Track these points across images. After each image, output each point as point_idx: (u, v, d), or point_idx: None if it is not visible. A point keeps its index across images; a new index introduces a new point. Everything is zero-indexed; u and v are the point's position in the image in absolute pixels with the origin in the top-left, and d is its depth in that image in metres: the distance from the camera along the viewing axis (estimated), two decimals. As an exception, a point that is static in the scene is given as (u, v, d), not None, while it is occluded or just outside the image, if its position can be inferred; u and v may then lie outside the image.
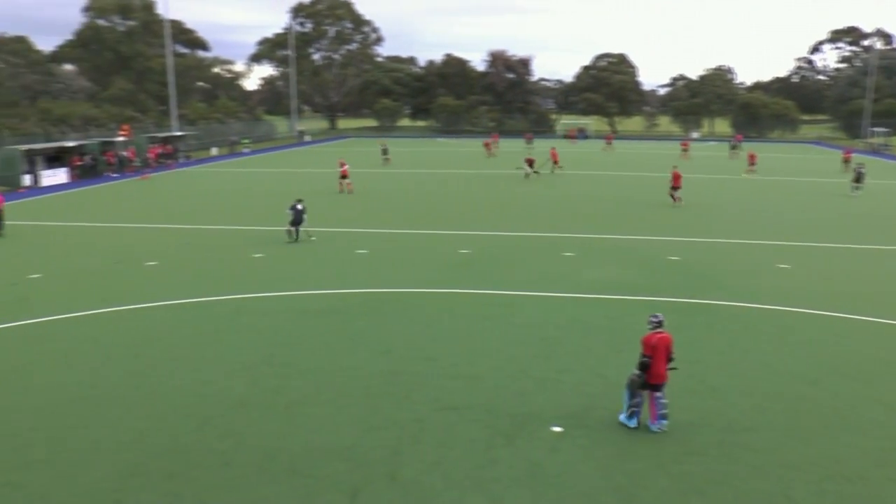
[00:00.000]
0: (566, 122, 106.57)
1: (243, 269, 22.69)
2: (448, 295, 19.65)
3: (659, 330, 11.69)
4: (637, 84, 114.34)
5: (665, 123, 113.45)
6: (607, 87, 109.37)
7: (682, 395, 12.91)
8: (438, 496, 9.76)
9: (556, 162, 51.59)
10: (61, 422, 11.99)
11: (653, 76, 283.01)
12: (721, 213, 34.18)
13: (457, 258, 24.01)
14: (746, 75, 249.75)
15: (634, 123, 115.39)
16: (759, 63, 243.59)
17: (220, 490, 9.90)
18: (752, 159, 53.00)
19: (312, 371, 14.15)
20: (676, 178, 36.35)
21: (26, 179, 44.59)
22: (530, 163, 48.77)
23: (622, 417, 11.95)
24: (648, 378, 11.58)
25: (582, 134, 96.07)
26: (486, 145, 67.89)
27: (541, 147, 68.74)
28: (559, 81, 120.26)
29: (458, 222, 30.76)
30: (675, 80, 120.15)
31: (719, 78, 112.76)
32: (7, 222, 29.24)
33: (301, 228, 26.92)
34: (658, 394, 11.70)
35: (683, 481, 10.17)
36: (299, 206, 26.94)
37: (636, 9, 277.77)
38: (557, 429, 11.71)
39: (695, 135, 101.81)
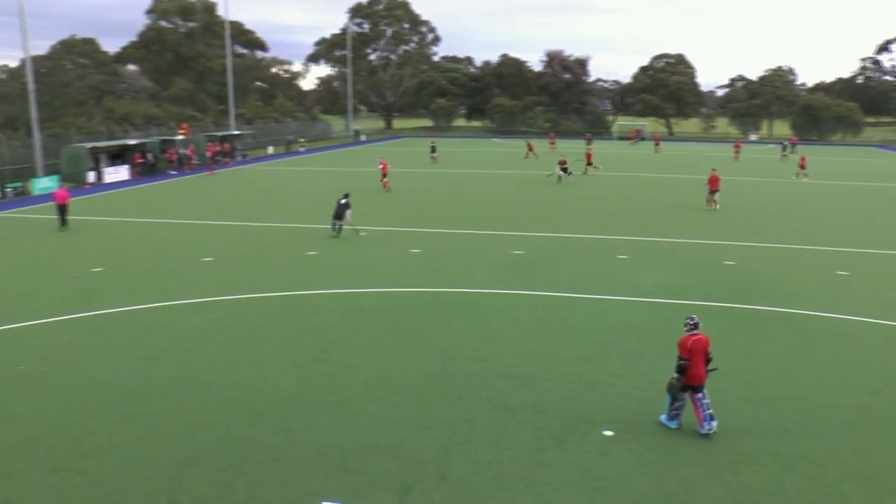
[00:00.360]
0: (622, 123, 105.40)
1: (298, 266, 22.96)
2: (501, 296, 19.60)
3: (695, 332, 11.66)
4: (695, 85, 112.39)
5: (723, 125, 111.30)
6: (664, 88, 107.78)
7: (735, 403, 12.67)
8: (489, 497, 9.73)
9: (589, 163, 50.94)
10: (119, 412, 12.29)
11: (711, 77, 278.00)
12: (777, 217, 33.42)
13: (510, 259, 23.94)
14: (808, 76, 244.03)
15: (691, 125, 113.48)
16: (821, 63, 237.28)
17: (272, 483, 10.03)
18: (802, 161, 51.65)
19: (364, 369, 14.25)
20: (714, 181, 35.53)
21: (91, 176, 45.87)
22: (563, 165, 46.76)
23: (662, 417, 11.96)
24: (687, 380, 11.52)
25: (639, 135, 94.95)
26: (529, 146, 66.71)
27: (598, 148, 68.14)
28: (616, 82, 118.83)
29: (510, 223, 30.66)
30: (733, 80, 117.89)
31: (780, 79, 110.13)
32: (72, 217, 30.12)
33: (344, 223, 27.73)
34: (699, 395, 11.57)
35: (736, 490, 9.96)
36: (343, 201, 27.88)
37: (696, 8, 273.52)
38: (608, 433, 11.59)
39: (753, 137, 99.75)
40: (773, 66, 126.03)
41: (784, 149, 68.21)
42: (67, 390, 13.21)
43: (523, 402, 12.72)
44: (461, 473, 10.31)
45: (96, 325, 17.05)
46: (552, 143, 76.30)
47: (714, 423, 11.56)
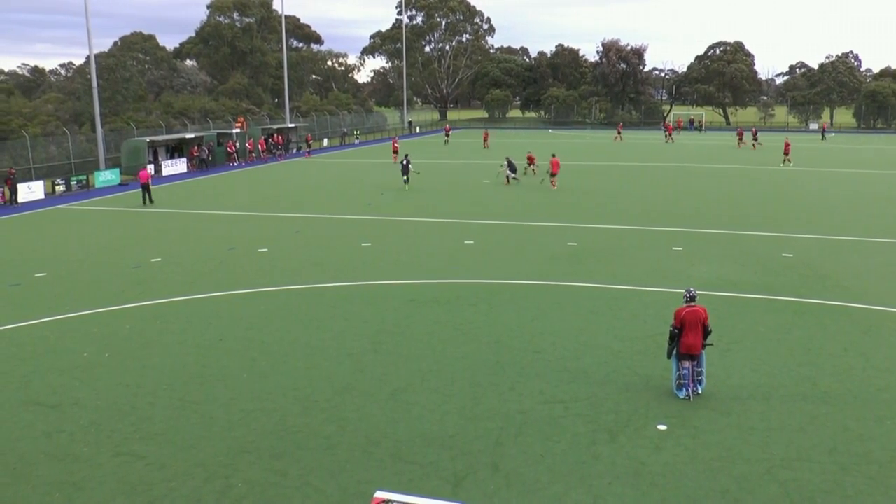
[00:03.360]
0: (678, 113, 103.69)
1: (352, 257, 23.14)
2: (556, 287, 19.46)
3: (692, 304, 12.31)
4: (753, 73, 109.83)
5: (781, 114, 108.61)
6: (721, 76, 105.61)
7: (791, 399, 12.37)
8: (542, 489, 9.68)
9: (531, 163, 44.73)
10: (177, 398, 12.56)
11: (770, 64, 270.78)
12: (836, 207, 32.46)
13: (564, 250, 23.76)
14: (873, 62, 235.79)
15: (749, 114, 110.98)
16: (888, 48, 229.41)
17: (325, 472, 10.13)
18: (786, 148, 51.02)
19: (418, 359, 14.29)
20: (554, 164, 38.00)
21: (150, 169, 46.84)
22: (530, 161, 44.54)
23: (674, 389, 12.56)
24: (681, 348, 12.22)
25: (692, 125, 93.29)
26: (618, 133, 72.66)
27: (653, 137, 67.15)
28: (672, 71, 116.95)
29: (564, 214, 30.42)
30: (793, 68, 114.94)
31: (843, 65, 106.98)
32: (130, 209, 30.86)
33: (409, 176, 38.72)
34: (692, 363, 12.31)
35: (793, 489, 9.71)
36: (405, 161, 39.21)
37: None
38: (662, 427, 11.42)
39: (813, 126, 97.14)
40: (837, 52, 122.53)
41: (823, 137, 67.60)
42: (128, 377, 13.55)
43: (576, 394, 12.62)
44: (514, 465, 10.28)
45: (155, 313, 17.44)
46: (619, 134, 75.87)
47: (697, 389, 12.44)
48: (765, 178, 42.47)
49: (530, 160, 44.48)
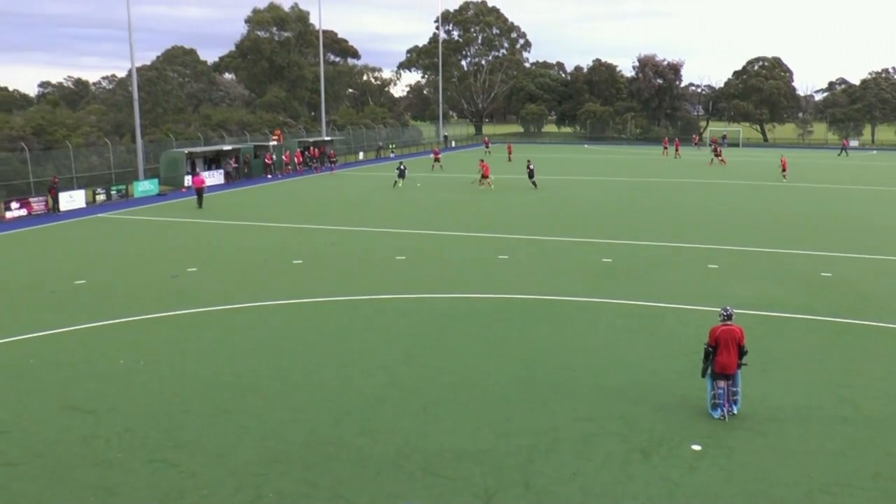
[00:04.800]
0: (714, 129, 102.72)
1: (386, 270, 23.20)
2: (590, 304, 19.31)
3: (728, 323, 12.14)
4: (791, 89, 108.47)
5: (820, 131, 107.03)
6: (758, 92, 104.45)
7: (831, 422, 12.10)
8: (572, 507, 9.57)
9: (485, 176, 45.01)
10: (210, 407, 12.66)
11: (809, 81, 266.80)
12: (877, 226, 31.79)
13: (598, 267, 23.59)
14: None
15: (787, 131, 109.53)
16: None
17: (356, 484, 10.11)
18: (783, 164, 51.98)
19: (450, 373, 14.25)
20: (485, 168, 43.57)
21: (187, 180, 47.55)
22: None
23: (708, 409, 12.35)
24: (716, 367, 12.04)
25: (725, 141, 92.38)
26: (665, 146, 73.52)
27: (688, 154, 66.61)
28: (709, 87, 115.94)
29: (599, 230, 30.23)
30: (833, 84, 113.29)
31: (885, 81, 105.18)
32: (169, 219, 31.30)
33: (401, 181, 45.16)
34: (727, 382, 12.12)
35: (838, 512, 9.49)
36: (402, 167, 46.64)
37: (794, 10, 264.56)
38: (697, 447, 11.23)
39: (854, 143, 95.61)
40: (879, 68, 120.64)
41: (840, 154, 67.10)
42: (162, 385, 13.68)
43: (610, 412, 12.48)
44: (545, 483, 10.17)
45: (191, 322, 17.63)
46: (665, 149, 75.51)
47: (733, 409, 12.22)
48: (800, 197, 41.83)
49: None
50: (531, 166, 46.16)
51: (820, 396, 13.13)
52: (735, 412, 12.28)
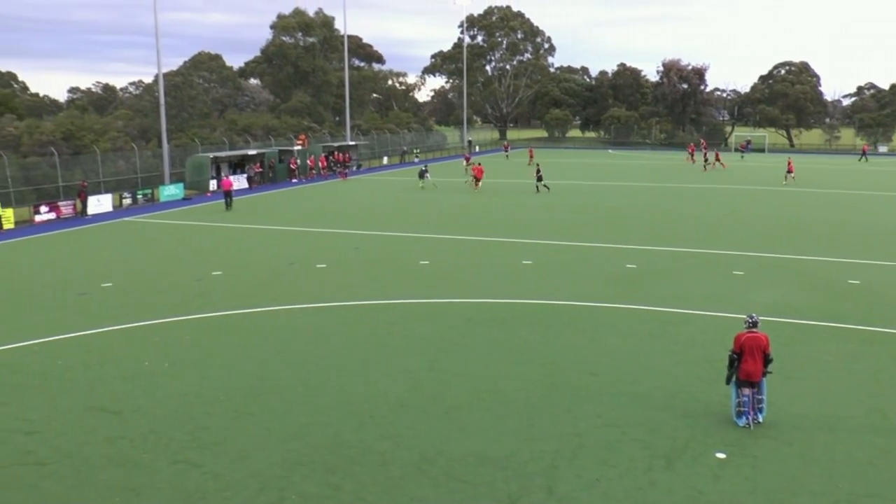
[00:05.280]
0: (739, 134, 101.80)
1: (410, 275, 23.23)
2: (612, 310, 19.21)
3: (753, 330, 12.03)
4: (818, 94, 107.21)
5: (848, 136, 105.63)
6: (784, 97, 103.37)
7: (859, 431, 11.93)
8: (596, 514, 9.51)
9: (477, 178, 47.10)
10: (233, 409, 12.73)
11: (837, 85, 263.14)
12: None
13: (622, 272, 23.47)
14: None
15: (813, 136, 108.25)
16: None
17: (378, 488, 10.12)
18: (789, 166, 52.58)
19: (474, 378, 14.23)
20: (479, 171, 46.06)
21: (212, 184, 47.97)
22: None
23: (733, 417, 12.22)
24: (739, 374, 11.94)
25: (749, 146, 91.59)
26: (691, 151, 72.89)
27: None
28: (734, 91, 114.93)
29: (623, 236, 30.07)
30: (861, 89, 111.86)
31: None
32: (194, 223, 31.57)
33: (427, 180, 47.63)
34: (752, 390, 12.00)
35: (866, 523, 9.35)
36: (424, 168, 48.48)
37: (822, 14, 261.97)
38: (721, 455, 11.12)
39: (883, 148, 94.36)
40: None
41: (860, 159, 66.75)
42: (186, 386, 13.79)
43: (633, 418, 12.40)
44: (568, 489, 10.12)
45: (215, 325, 17.76)
46: (691, 155, 74.98)
47: (759, 416, 12.10)
48: (826, 203, 41.35)
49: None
50: (540, 171, 46.86)
51: (847, 405, 12.95)
52: (760, 420, 12.14)
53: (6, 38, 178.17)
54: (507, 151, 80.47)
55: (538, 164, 48.71)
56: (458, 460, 10.89)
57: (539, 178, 45.73)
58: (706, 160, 64.34)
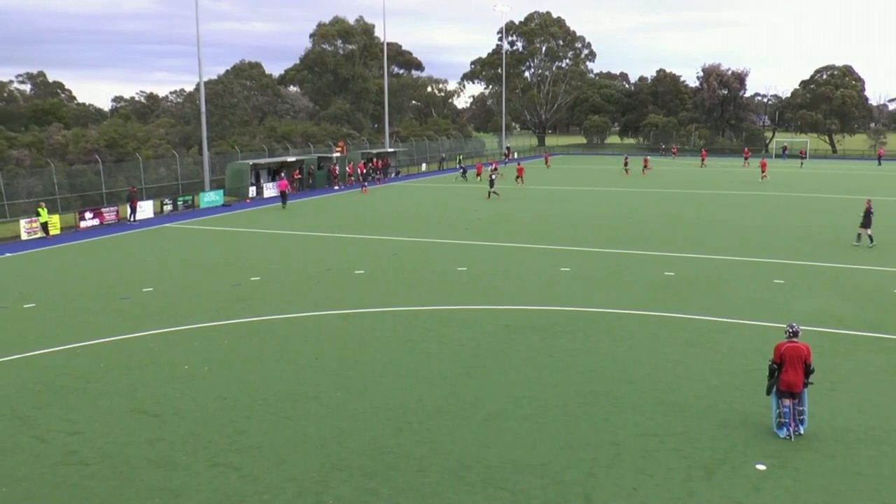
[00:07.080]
0: (780, 140, 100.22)
1: (448, 281, 23.26)
2: (652, 317, 19.03)
3: (793, 340, 11.91)
4: (862, 99, 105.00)
5: (894, 141, 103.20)
6: (827, 102, 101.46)
7: (908, 443, 11.66)
8: (633, 523, 9.42)
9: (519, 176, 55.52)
10: (272, 413, 12.86)
11: (883, 89, 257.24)
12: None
13: (661, 280, 23.24)
14: None
15: (857, 142, 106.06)
16: None
17: (415, 493, 10.13)
18: (763, 167, 57.11)
19: (511, 385, 14.19)
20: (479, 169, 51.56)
21: (251, 191, 48.54)
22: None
23: (774, 428, 12.06)
24: (779, 385, 11.82)
25: (785, 152, 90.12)
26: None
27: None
28: (775, 97, 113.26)
29: (661, 243, 29.78)
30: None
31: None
32: (232, 229, 31.96)
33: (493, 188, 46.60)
34: (793, 401, 11.84)
35: (912, 537, 9.13)
36: (492, 174, 47.87)
37: (866, 16, 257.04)
38: (761, 466, 10.94)
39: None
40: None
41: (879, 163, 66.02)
42: (226, 390, 13.96)
43: (672, 428, 12.26)
44: (606, 497, 10.04)
45: (254, 330, 17.94)
46: (746, 160, 74.55)
47: (800, 428, 11.92)
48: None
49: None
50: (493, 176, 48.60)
51: (893, 418, 12.66)
52: (801, 432, 11.94)
53: (56, 49, 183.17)
54: (547, 163, 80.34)
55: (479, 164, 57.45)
56: (496, 467, 10.86)
57: (491, 183, 47.35)
58: (763, 174, 59.76)
